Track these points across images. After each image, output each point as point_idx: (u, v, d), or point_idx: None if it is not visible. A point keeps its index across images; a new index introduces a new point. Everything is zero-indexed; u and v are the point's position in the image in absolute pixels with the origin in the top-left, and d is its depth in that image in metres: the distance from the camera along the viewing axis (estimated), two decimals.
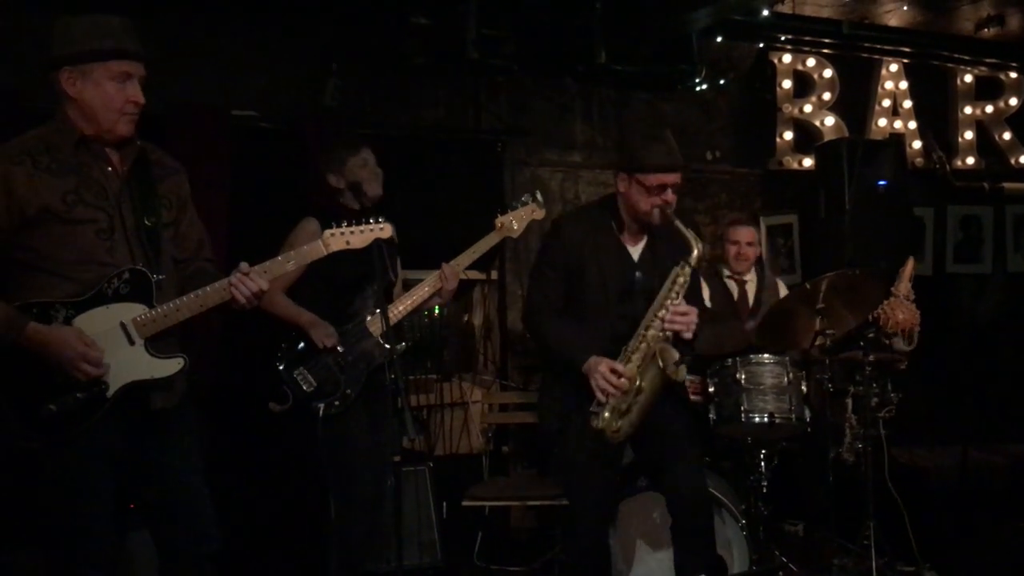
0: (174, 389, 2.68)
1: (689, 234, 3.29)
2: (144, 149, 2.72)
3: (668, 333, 3.25)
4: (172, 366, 2.62)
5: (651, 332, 3.26)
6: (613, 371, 3.20)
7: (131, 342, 2.57)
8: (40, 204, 2.51)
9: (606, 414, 3.20)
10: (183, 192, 2.81)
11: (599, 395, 3.20)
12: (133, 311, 2.58)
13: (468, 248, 3.74)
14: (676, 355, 3.22)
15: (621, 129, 5.74)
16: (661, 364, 3.20)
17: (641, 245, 3.46)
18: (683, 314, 3.25)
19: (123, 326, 2.57)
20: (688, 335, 3.27)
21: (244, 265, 2.66)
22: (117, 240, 2.59)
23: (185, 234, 2.81)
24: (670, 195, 3.34)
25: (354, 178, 3.71)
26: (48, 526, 2.63)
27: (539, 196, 3.82)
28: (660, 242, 3.44)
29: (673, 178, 3.34)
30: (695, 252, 3.28)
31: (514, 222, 3.75)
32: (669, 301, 3.27)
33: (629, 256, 3.45)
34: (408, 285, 3.89)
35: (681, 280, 3.29)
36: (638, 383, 3.22)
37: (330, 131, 4.66)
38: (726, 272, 4.82)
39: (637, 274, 3.42)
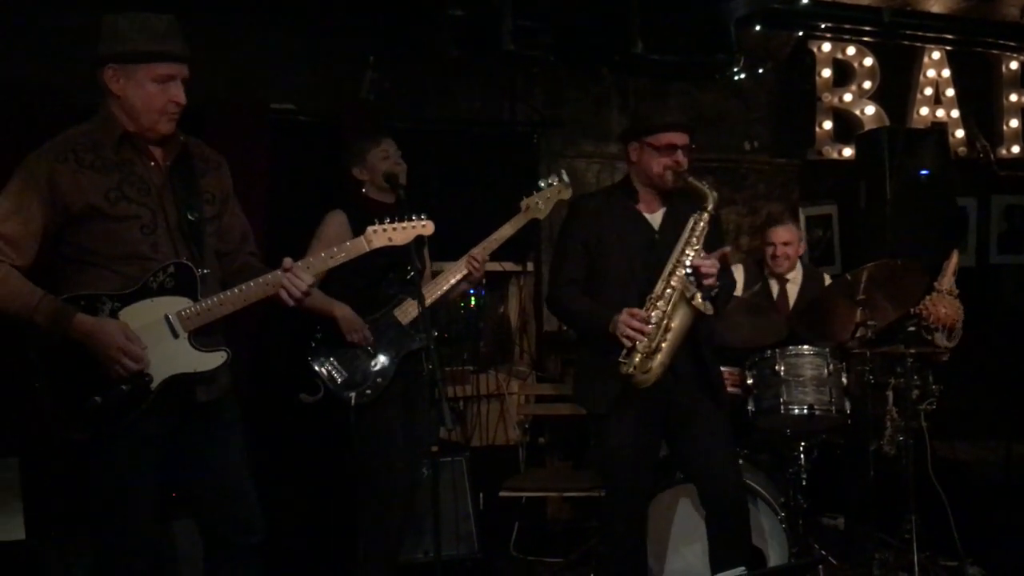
0: (218, 382, 2.72)
1: (703, 186, 3.30)
2: (187, 144, 2.75)
3: (691, 278, 3.21)
4: (215, 359, 2.65)
5: (674, 278, 3.23)
6: (637, 316, 3.17)
7: (175, 335, 2.61)
8: (84, 201, 2.55)
9: (636, 359, 3.16)
10: (225, 186, 2.84)
11: (625, 342, 3.16)
12: (178, 304, 2.61)
13: (496, 231, 3.77)
14: (699, 293, 3.19)
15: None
16: (688, 296, 3.17)
17: (660, 213, 3.45)
18: (708, 263, 3.21)
19: (167, 319, 2.60)
20: (711, 280, 3.21)
21: (288, 261, 2.69)
22: (160, 235, 2.63)
23: (228, 227, 2.84)
24: (680, 156, 3.36)
25: (385, 169, 3.73)
26: (94, 515, 2.67)
27: (565, 176, 3.82)
28: (679, 209, 3.41)
29: (682, 138, 3.37)
30: (710, 201, 3.28)
31: (540, 203, 3.76)
32: (690, 248, 3.25)
33: (648, 223, 3.44)
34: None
35: (701, 226, 3.27)
36: (666, 322, 3.19)
37: (356, 124, 4.68)
38: (767, 271, 4.77)
39: (657, 237, 3.39)
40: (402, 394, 3.73)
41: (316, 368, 3.64)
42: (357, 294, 3.70)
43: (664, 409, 3.36)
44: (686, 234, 3.27)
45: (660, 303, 3.21)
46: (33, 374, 2.57)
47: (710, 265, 3.20)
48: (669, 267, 3.25)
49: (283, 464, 4.38)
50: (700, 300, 3.16)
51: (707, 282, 3.21)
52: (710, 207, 3.28)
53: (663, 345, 3.18)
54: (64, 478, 3.46)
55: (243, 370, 4.27)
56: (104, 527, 2.67)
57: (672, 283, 3.22)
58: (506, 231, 3.78)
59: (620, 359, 3.18)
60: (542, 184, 3.80)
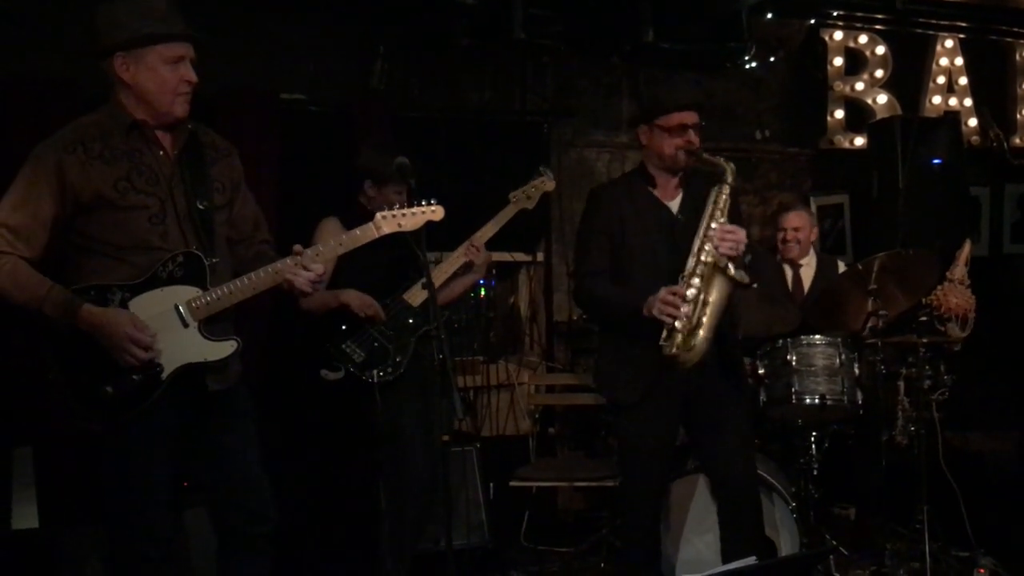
0: (228, 371, 2.72)
1: (719, 160, 3.29)
2: (195, 131, 2.75)
3: (723, 251, 3.16)
4: (226, 348, 2.65)
5: (704, 253, 3.19)
6: (674, 293, 3.13)
7: (185, 325, 2.61)
8: (93, 191, 2.55)
9: (678, 338, 3.12)
10: (235, 174, 2.84)
11: (665, 319, 3.12)
12: (187, 294, 2.62)
13: (486, 223, 3.85)
14: (731, 264, 3.16)
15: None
16: (722, 267, 3.13)
17: (679, 198, 3.43)
18: (731, 232, 3.18)
19: (177, 309, 2.61)
20: (736, 253, 3.17)
21: (298, 247, 2.69)
22: (169, 225, 2.63)
23: (239, 215, 2.84)
24: (692, 136, 3.33)
25: (397, 162, 3.73)
26: (108, 504, 2.69)
27: (548, 171, 3.95)
28: (698, 191, 3.39)
29: (692, 117, 3.34)
30: (729, 173, 3.27)
31: (526, 195, 3.88)
32: (714, 221, 3.22)
33: (668, 209, 3.42)
34: None
35: (723, 197, 3.25)
36: (702, 296, 3.15)
37: (378, 117, 4.69)
38: (779, 257, 4.75)
39: (678, 221, 3.36)
40: (419, 383, 3.76)
41: (334, 351, 3.69)
42: (368, 282, 3.72)
43: (685, 398, 3.35)
44: (709, 207, 3.26)
45: (694, 280, 3.17)
46: (46, 365, 2.58)
47: (732, 232, 3.16)
48: (697, 242, 3.22)
49: (300, 454, 4.39)
50: (733, 270, 3.13)
51: (732, 252, 3.15)
52: (729, 179, 3.27)
53: (703, 320, 3.14)
54: (78, 467, 3.48)
55: (262, 355, 4.31)
56: (117, 516, 2.68)
57: (703, 258, 3.19)
58: (496, 223, 3.85)
59: (661, 342, 3.14)
60: (527, 180, 3.92)
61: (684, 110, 3.35)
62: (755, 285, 3.35)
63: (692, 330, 3.14)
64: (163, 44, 2.58)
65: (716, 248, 3.16)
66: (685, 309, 3.11)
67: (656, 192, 3.43)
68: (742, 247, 3.17)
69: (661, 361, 3.18)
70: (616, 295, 3.35)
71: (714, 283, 3.17)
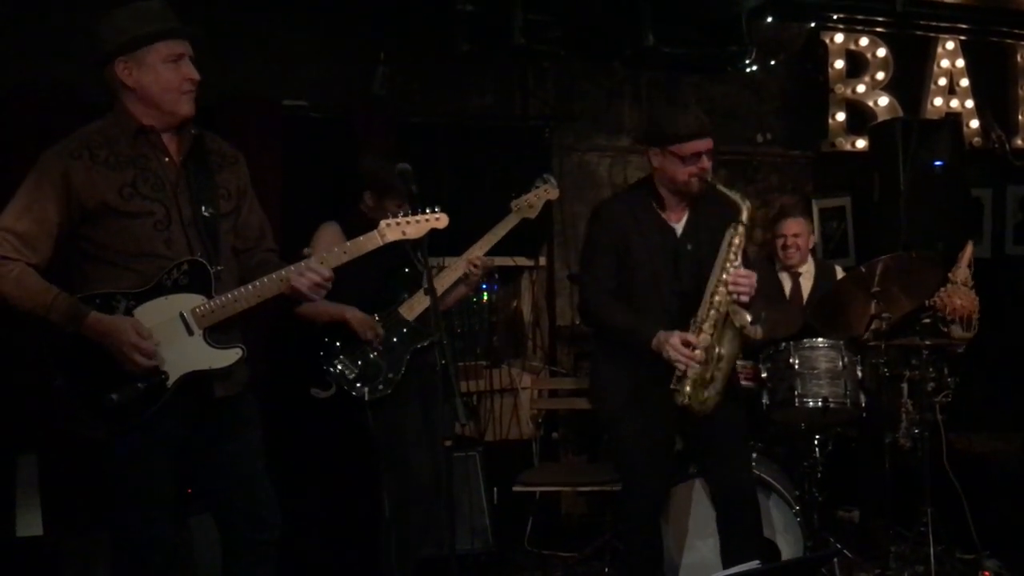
0: (234, 378, 2.73)
1: (734, 195, 3.26)
2: (202, 137, 2.75)
3: (735, 296, 3.17)
4: (231, 356, 2.65)
5: (718, 298, 3.19)
6: (685, 343, 3.14)
7: (190, 333, 2.62)
8: (98, 198, 2.56)
9: (687, 388, 3.14)
10: (242, 181, 2.84)
11: (678, 366, 3.13)
12: (192, 302, 2.62)
13: (488, 232, 3.83)
14: (747, 316, 3.15)
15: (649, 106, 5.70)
16: (738, 325, 3.13)
17: (684, 219, 3.41)
18: (745, 277, 3.18)
19: (182, 317, 2.61)
20: (746, 299, 3.18)
21: (307, 251, 2.71)
22: (174, 232, 2.63)
23: (245, 223, 2.84)
24: (705, 162, 3.30)
25: (399, 168, 3.74)
26: (112, 511, 2.69)
27: (552, 178, 3.90)
28: (704, 212, 3.38)
29: (706, 144, 3.30)
30: (744, 211, 3.24)
31: (528, 204, 3.84)
32: (729, 264, 3.21)
33: (672, 231, 3.40)
34: None
35: (737, 241, 3.23)
36: (717, 350, 3.16)
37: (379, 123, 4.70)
38: (779, 264, 4.74)
39: (688, 247, 3.36)
40: (419, 391, 3.75)
41: (326, 366, 3.67)
42: (364, 295, 3.71)
43: (679, 405, 3.35)
44: (723, 251, 3.23)
45: (706, 326, 3.18)
46: (51, 372, 2.59)
47: (746, 277, 3.17)
48: (711, 287, 3.21)
49: (304, 462, 4.40)
50: (749, 327, 3.13)
51: (743, 297, 3.17)
52: (744, 218, 3.23)
53: (717, 375, 3.18)
54: (82, 475, 3.48)
55: (259, 367, 4.30)
56: (121, 523, 2.68)
57: (715, 305, 3.19)
58: (498, 232, 3.83)
59: (672, 386, 3.17)
60: (530, 187, 3.88)
61: (699, 138, 3.28)
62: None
63: (706, 384, 3.16)
64: (161, 42, 2.60)
65: (729, 294, 3.16)
66: (697, 357, 3.12)
67: (663, 213, 3.40)
68: (751, 294, 3.18)
69: (650, 372, 3.21)
70: (626, 324, 3.32)
71: (727, 335, 3.18)
